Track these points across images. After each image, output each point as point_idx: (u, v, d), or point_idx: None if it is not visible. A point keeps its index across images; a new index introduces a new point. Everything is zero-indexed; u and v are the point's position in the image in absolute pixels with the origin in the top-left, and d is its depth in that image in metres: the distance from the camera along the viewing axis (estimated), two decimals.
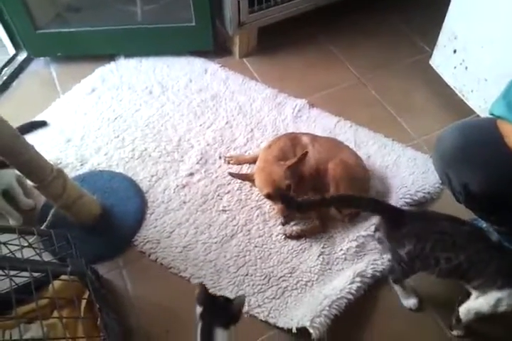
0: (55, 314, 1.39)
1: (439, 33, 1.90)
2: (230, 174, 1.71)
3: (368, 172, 1.70)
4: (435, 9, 1.94)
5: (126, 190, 1.72)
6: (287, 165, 1.53)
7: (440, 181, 1.69)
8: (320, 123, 1.96)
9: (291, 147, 1.64)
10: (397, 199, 1.66)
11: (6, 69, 2.20)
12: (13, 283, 1.10)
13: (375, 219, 1.56)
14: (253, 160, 1.76)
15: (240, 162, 1.82)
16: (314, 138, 1.69)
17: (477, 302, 1.26)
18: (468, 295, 1.30)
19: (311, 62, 2.25)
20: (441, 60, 1.95)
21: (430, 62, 2.02)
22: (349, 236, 1.59)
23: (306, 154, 1.55)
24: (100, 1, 2.35)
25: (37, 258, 1.23)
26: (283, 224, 1.65)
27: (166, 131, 1.94)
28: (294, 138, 1.67)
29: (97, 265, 1.51)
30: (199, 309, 1.16)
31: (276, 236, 1.62)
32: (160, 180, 1.78)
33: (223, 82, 2.12)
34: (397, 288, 1.46)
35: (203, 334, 1.13)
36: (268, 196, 1.57)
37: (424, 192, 1.70)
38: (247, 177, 1.66)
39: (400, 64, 2.23)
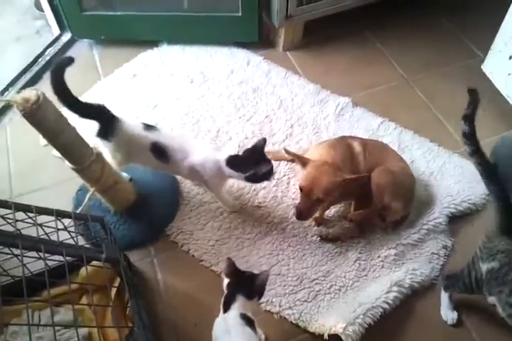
0: (84, 299, 1.39)
1: (493, 37, 1.80)
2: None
3: (413, 179, 1.61)
4: (491, 12, 1.84)
5: (161, 179, 1.69)
6: (344, 179, 1.40)
7: (488, 192, 1.63)
8: (363, 123, 1.89)
9: (348, 155, 1.53)
10: (442, 208, 1.59)
11: (50, 49, 2.21)
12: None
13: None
14: (291, 159, 1.71)
15: (277, 158, 1.77)
16: (365, 145, 1.58)
17: None
18: None
19: (356, 59, 2.18)
20: (495, 66, 1.85)
21: (482, 67, 1.92)
22: (388, 244, 1.53)
23: (365, 178, 1.47)
24: None
25: (71, 241, 1.21)
26: (318, 225, 1.60)
27: (205, 121, 1.90)
28: (348, 146, 1.56)
29: (128, 252, 1.49)
30: (226, 281, 1.23)
31: (312, 237, 1.58)
32: None
33: (265, 74, 2.07)
34: (443, 296, 1.39)
35: (225, 299, 1.19)
36: (300, 189, 1.46)
37: (469, 203, 1.62)
38: (300, 159, 1.47)
39: (449, 67, 2.14)
